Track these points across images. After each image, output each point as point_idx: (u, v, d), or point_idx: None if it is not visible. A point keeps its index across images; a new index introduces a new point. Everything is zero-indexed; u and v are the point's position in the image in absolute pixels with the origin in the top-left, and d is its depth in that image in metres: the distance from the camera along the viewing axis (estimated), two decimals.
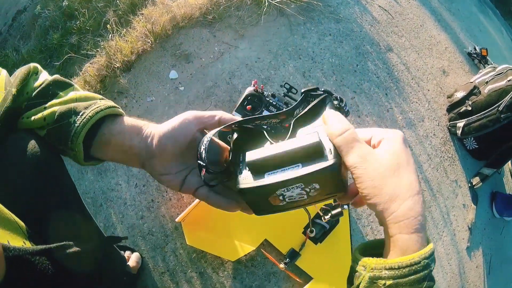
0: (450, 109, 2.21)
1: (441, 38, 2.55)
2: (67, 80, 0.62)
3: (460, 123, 2.09)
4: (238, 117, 0.61)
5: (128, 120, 0.60)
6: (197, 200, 1.42)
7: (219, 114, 0.60)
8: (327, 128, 0.49)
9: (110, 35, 2.04)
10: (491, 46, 3.03)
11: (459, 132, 2.10)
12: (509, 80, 2.08)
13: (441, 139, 2.08)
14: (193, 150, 0.58)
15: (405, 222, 0.42)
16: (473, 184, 2.10)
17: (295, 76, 1.87)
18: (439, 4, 2.90)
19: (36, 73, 0.60)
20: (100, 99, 0.61)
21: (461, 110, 2.12)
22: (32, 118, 0.55)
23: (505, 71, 2.21)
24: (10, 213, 0.46)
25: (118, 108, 0.62)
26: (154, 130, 0.58)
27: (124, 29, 2.06)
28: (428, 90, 2.18)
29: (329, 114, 0.50)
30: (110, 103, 0.61)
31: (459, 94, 2.17)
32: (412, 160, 0.47)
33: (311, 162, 0.47)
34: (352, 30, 2.14)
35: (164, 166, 0.59)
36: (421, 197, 0.44)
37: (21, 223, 0.47)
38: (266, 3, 2.04)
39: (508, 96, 2.00)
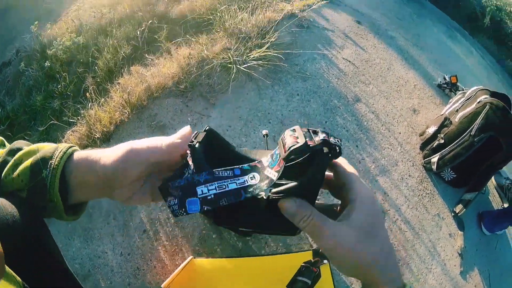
0: (423, 146, 2.30)
1: (409, 76, 2.70)
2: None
3: (434, 158, 2.17)
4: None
5: (86, 154, 0.59)
6: (181, 266, 1.52)
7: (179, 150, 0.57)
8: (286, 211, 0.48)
9: (90, 103, 2.19)
10: (461, 71, 3.18)
11: (434, 167, 2.18)
12: (479, 101, 2.17)
13: (417, 178, 2.17)
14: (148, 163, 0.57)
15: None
16: (457, 212, 2.19)
17: (265, 141, 1.98)
18: (405, 41, 3.07)
19: (3, 144, 0.64)
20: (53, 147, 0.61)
21: (434, 145, 2.22)
22: (12, 176, 0.56)
23: (474, 93, 2.32)
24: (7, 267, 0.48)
25: (75, 146, 0.61)
26: (105, 159, 0.57)
27: (103, 98, 2.21)
28: (400, 133, 2.30)
29: (285, 205, 0.48)
30: (66, 144, 0.61)
31: (431, 130, 2.28)
32: (380, 218, 0.49)
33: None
34: (319, 87, 2.28)
35: (127, 190, 0.58)
36: (394, 252, 0.50)
37: (18, 278, 0.49)
38: (235, 69, 2.20)
39: (479, 118, 2.08)
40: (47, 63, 2.88)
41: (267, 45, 2.38)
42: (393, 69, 2.65)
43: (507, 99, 2.42)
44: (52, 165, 0.56)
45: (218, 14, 2.74)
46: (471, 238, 2.21)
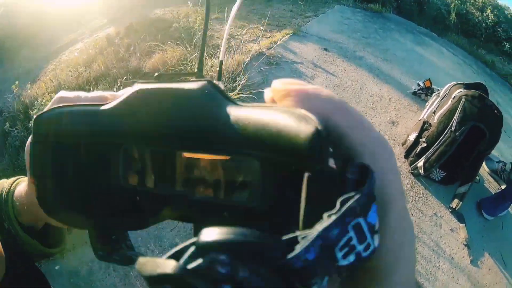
0: (407, 154, 2.44)
1: (383, 92, 2.90)
2: None
3: (420, 163, 2.31)
4: None
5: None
6: None
7: None
8: None
9: None
10: (435, 73, 3.37)
11: (421, 171, 2.31)
12: (454, 97, 2.30)
13: (406, 185, 2.32)
14: None
15: None
16: (454, 207, 2.29)
17: None
18: (375, 58, 3.29)
19: None
20: None
21: (418, 150, 2.35)
22: None
23: (448, 91, 2.46)
24: None
25: (6, 180, 0.57)
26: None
27: None
28: None
29: None
30: (7, 180, 0.57)
31: (412, 137, 2.43)
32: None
33: None
34: None
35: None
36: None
37: None
38: None
39: (456, 112, 2.21)
40: (31, 123, 3.01)
41: (239, 88, 2.57)
42: (365, 88, 2.85)
43: (482, 86, 2.57)
44: (4, 192, 0.54)
45: (189, 63, 2.94)
46: (474, 227, 2.32)
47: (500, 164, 2.68)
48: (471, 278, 2.06)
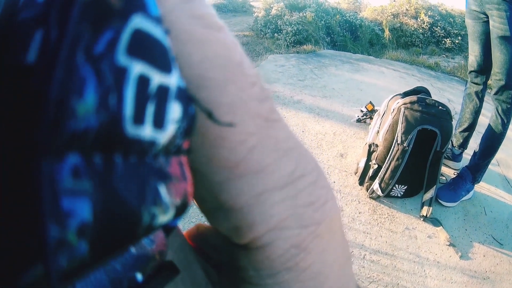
0: (361, 181, 2.51)
1: (326, 128, 3.06)
2: None
3: (376, 185, 2.38)
4: None
5: None
6: None
7: None
8: None
9: None
10: (377, 95, 3.55)
11: (379, 192, 2.38)
12: (393, 110, 2.38)
13: (368, 210, 2.38)
14: None
15: None
16: (425, 214, 2.34)
17: None
18: (313, 98, 3.48)
19: None
20: None
21: (370, 174, 2.43)
22: None
23: (386, 106, 2.55)
24: None
25: None
26: None
27: None
28: (334, 182, 2.54)
29: None
30: None
31: (361, 163, 2.53)
32: None
33: None
34: None
35: None
36: None
37: None
38: None
39: (398, 125, 2.28)
40: None
41: None
42: (308, 129, 3.00)
43: (422, 88, 2.69)
44: None
45: None
46: (454, 224, 2.39)
47: (448, 151, 2.80)
48: (466, 271, 2.09)
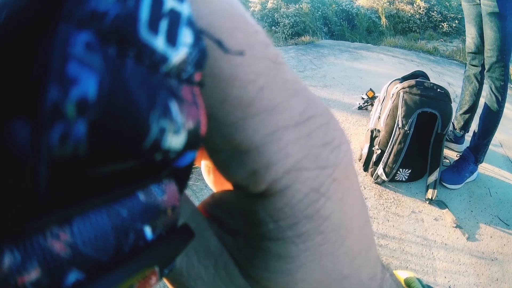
0: (365, 167, 2.55)
1: None
2: None
3: (380, 170, 2.41)
4: None
5: None
6: None
7: None
8: None
9: None
10: (377, 82, 3.54)
11: (384, 177, 2.41)
12: (392, 95, 2.40)
13: (374, 196, 2.41)
14: None
15: None
16: (431, 197, 2.36)
17: None
18: (313, 88, 3.52)
19: None
20: None
21: (374, 159, 2.46)
22: None
23: (385, 92, 2.56)
24: None
25: None
26: None
27: None
28: None
29: None
30: None
31: (365, 149, 2.55)
32: None
33: None
34: None
35: None
36: None
37: None
38: None
39: (398, 109, 2.30)
40: None
41: None
42: None
43: (420, 72, 2.71)
44: None
45: None
46: (459, 206, 2.41)
47: (450, 132, 2.83)
48: (474, 252, 2.12)
